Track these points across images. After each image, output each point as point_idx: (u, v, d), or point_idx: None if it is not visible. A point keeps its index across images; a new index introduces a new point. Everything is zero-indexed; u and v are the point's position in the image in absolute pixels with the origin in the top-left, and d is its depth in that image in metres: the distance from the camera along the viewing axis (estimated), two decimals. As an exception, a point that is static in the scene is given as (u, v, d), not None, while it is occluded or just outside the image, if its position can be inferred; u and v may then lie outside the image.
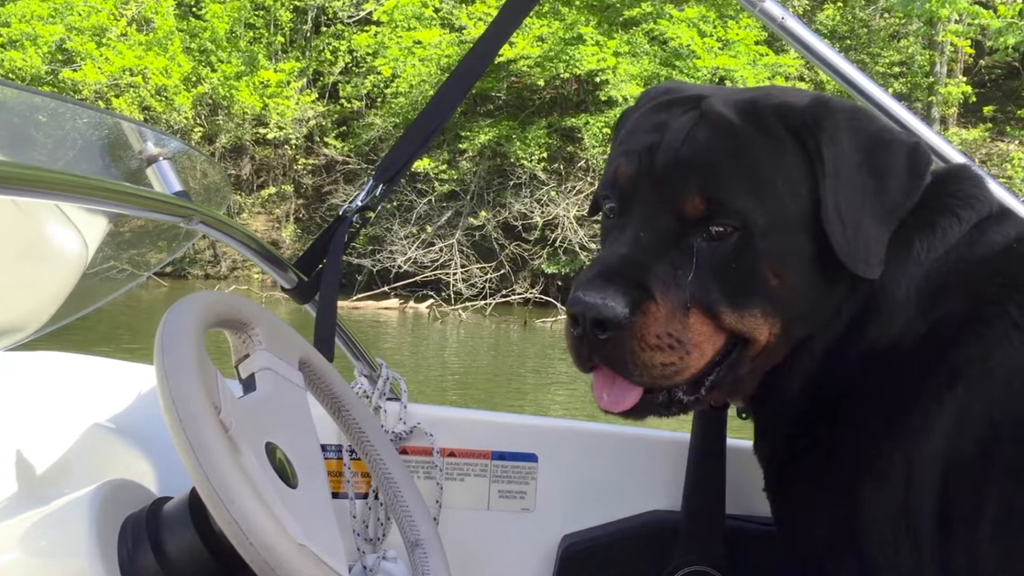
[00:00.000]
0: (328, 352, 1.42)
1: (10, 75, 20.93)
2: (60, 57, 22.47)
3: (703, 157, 1.16)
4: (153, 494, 1.18)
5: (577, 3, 19.15)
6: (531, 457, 1.62)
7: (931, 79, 19.14)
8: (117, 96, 21.41)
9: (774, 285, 1.14)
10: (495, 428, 1.63)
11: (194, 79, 21.80)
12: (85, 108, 1.83)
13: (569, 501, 1.62)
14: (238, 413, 0.97)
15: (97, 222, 1.62)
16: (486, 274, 18.69)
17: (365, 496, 1.57)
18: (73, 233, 1.58)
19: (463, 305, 18.17)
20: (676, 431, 1.65)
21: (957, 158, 1.52)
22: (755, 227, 1.13)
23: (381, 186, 1.52)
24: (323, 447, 1.50)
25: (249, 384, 1.09)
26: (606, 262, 1.16)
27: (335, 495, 1.54)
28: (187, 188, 1.54)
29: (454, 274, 18.62)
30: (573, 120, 18.92)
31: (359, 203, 1.52)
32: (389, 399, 1.62)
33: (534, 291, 18.55)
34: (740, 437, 1.54)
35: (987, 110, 18.68)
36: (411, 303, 18.49)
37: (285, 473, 1.00)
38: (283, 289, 1.56)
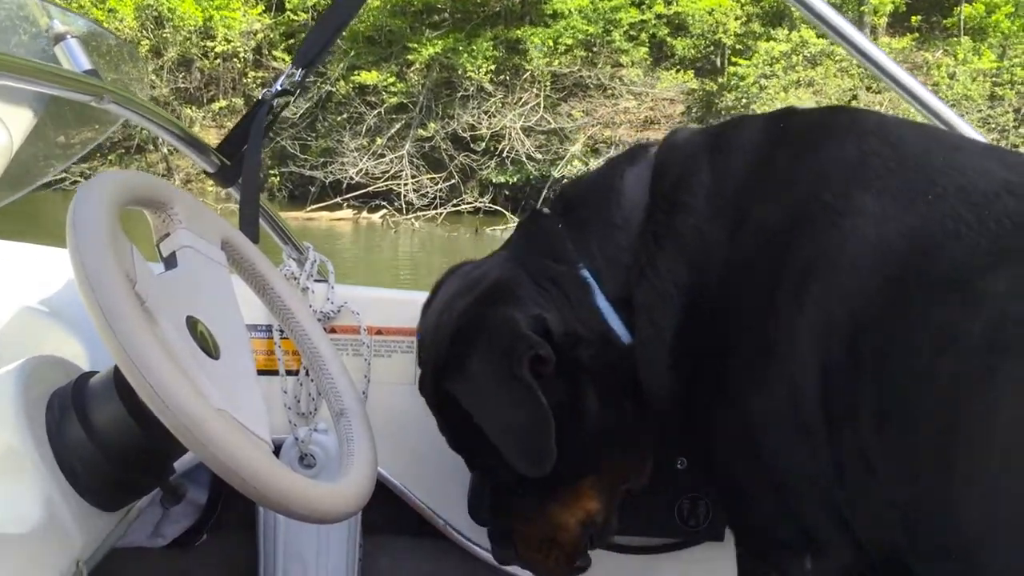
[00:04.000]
0: (253, 233, 1.42)
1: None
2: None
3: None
4: (80, 369, 1.17)
5: (522, -89, 19.16)
6: None
7: (863, -13, 19.65)
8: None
9: (570, 483, 1.27)
10: (420, 307, 1.59)
11: (137, -12, 21.32)
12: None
13: None
14: (156, 287, 0.96)
15: (22, 114, 1.57)
16: (436, 184, 19.01)
17: (296, 373, 1.58)
18: (-5, 124, 1.53)
19: (415, 215, 18.48)
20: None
21: (888, 70, 1.59)
22: (500, 472, 1.25)
23: (300, 71, 1.53)
24: (253, 327, 1.54)
25: (170, 262, 1.07)
26: (491, 519, 1.35)
27: (267, 372, 1.57)
28: (101, 72, 1.50)
29: (405, 185, 18.88)
30: (518, 32, 19.13)
31: (278, 88, 1.53)
32: (317, 281, 1.63)
33: (483, 200, 18.91)
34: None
35: (914, 19, 19.25)
36: (364, 213, 18.76)
37: (206, 345, 1.00)
38: (206, 173, 1.56)
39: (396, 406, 1.63)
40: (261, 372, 1.56)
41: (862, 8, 19.29)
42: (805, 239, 1.06)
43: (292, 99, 1.55)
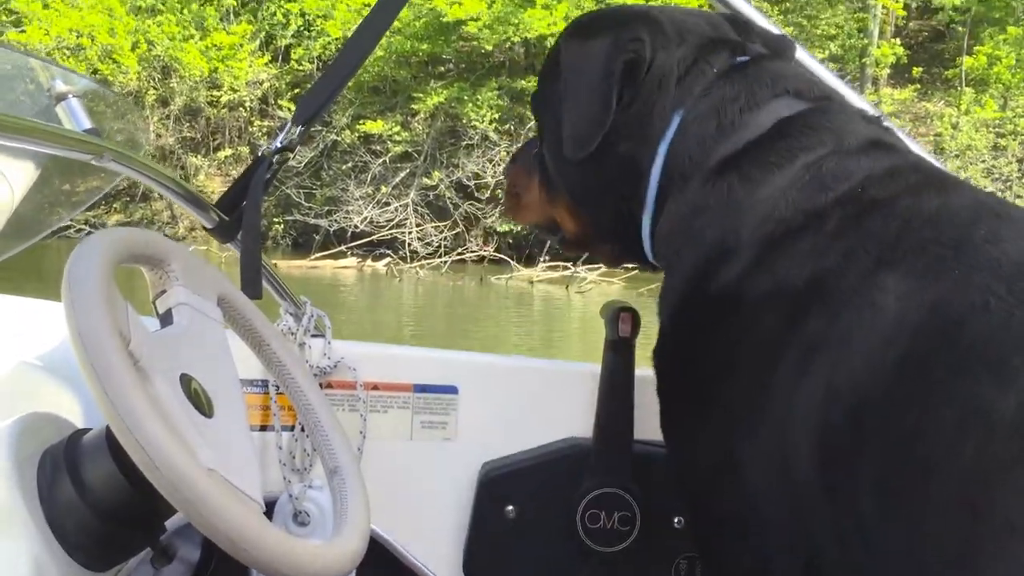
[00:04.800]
0: (254, 290, 1.41)
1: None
2: (5, 18, 22.14)
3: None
4: (74, 426, 1.16)
5: (527, -35, 19.47)
6: (452, 389, 1.64)
7: (864, 41, 19.83)
8: (64, 59, 20.84)
9: (563, 188, 1.35)
10: (417, 362, 1.65)
11: (143, 41, 21.57)
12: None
13: (489, 430, 1.65)
14: (151, 345, 0.96)
15: (24, 168, 1.59)
16: (441, 232, 19.14)
17: (292, 429, 1.58)
18: (-3, 179, 1.58)
19: (420, 263, 18.53)
20: (591, 363, 1.67)
21: (860, 103, 1.60)
22: (547, 141, 1.35)
23: (299, 128, 1.55)
24: (249, 382, 1.55)
25: (166, 319, 1.08)
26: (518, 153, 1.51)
27: (263, 428, 1.58)
28: (102, 130, 1.53)
29: (409, 233, 19.03)
30: (523, 82, 19.31)
31: (278, 144, 1.55)
32: (314, 336, 1.63)
33: (488, 249, 19.00)
34: (648, 368, 1.53)
35: (915, 71, 19.52)
36: (369, 261, 18.81)
37: (200, 403, 0.99)
38: (205, 228, 1.56)
39: (392, 462, 1.63)
40: (256, 428, 1.58)
41: (863, 60, 19.58)
42: (821, 309, 1.02)
43: (292, 155, 1.57)
